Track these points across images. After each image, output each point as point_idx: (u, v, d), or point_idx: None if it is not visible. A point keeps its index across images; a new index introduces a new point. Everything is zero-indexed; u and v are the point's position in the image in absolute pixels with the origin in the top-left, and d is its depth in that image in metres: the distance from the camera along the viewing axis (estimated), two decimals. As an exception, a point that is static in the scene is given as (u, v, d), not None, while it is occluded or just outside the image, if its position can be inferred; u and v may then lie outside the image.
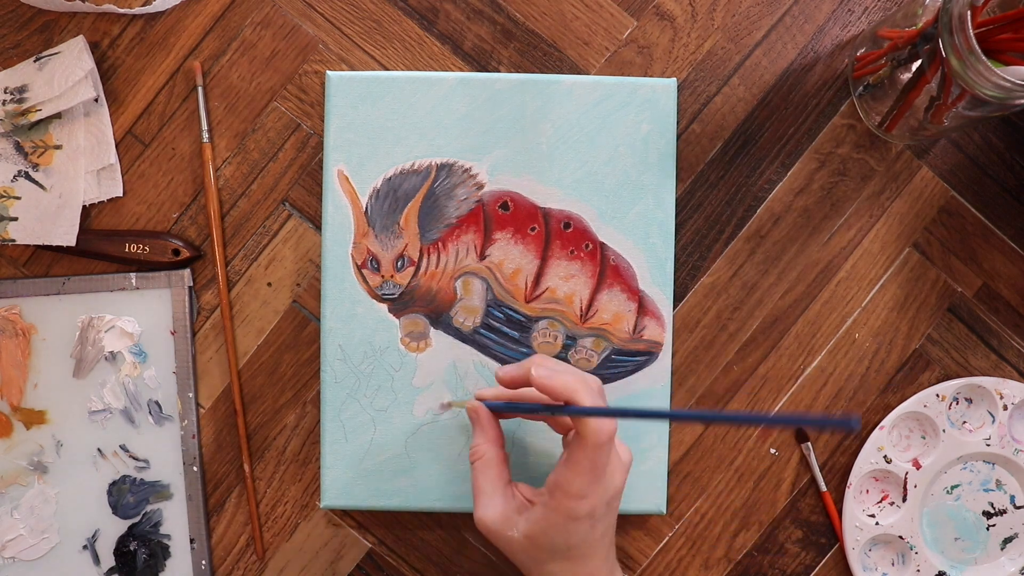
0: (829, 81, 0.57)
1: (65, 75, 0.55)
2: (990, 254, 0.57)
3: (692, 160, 0.57)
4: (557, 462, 0.46)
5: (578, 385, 0.44)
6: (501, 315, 0.55)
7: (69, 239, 0.55)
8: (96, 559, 0.57)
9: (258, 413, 0.57)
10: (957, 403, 0.57)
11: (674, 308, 0.57)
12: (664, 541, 0.58)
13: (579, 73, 0.57)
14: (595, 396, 0.45)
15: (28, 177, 0.56)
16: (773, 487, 0.58)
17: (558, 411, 0.46)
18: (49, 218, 0.55)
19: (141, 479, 0.57)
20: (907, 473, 0.57)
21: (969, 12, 0.44)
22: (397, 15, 0.57)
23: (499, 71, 0.57)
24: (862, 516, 0.57)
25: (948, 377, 0.57)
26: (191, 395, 0.57)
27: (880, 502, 0.57)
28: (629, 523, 0.58)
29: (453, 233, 0.55)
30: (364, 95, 0.55)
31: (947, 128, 0.53)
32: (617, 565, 0.50)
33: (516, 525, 0.46)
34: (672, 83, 0.55)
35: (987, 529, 0.57)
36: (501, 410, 0.49)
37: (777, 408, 0.57)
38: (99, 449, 0.57)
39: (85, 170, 0.56)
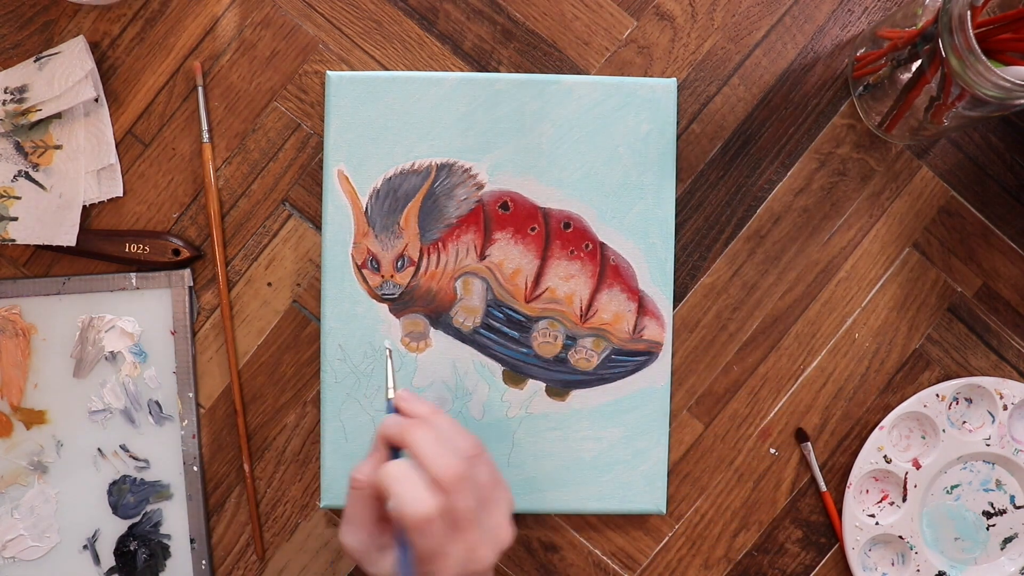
0: (829, 81, 0.57)
1: (65, 75, 0.55)
2: (990, 254, 0.58)
3: (692, 160, 0.57)
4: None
5: (389, 482, 0.42)
6: (501, 315, 0.55)
7: (69, 239, 0.55)
8: (96, 559, 0.57)
9: (258, 413, 0.57)
10: (957, 403, 0.57)
11: (674, 308, 0.57)
12: (664, 541, 0.58)
13: (579, 73, 0.57)
14: (426, 434, 0.43)
15: (28, 177, 0.56)
16: (773, 487, 0.58)
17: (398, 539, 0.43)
18: (49, 218, 0.55)
19: (141, 479, 0.57)
20: (907, 473, 0.57)
21: (969, 12, 0.44)
22: (397, 15, 0.57)
23: (499, 71, 0.57)
24: (862, 516, 0.57)
25: (948, 377, 0.57)
26: (191, 395, 0.57)
27: (880, 502, 0.57)
28: (629, 523, 0.58)
29: (453, 233, 0.55)
30: (364, 95, 0.55)
31: (947, 128, 0.53)
32: None
33: (374, 563, 0.44)
34: (672, 83, 0.55)
35: (987, 529, 0.57)
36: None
37: (776, 408, 0.57)
38: (99, 449, 0.57)
39: (85, 170, 0.56)
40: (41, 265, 0.57)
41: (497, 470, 0.47)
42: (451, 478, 0.42)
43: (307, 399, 0.57)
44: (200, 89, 0.56)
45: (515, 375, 0.56)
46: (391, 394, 0.48)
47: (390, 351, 0.52)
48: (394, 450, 0.45)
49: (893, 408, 0.57)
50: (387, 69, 0.57)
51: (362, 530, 0.44)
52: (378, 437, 0.45)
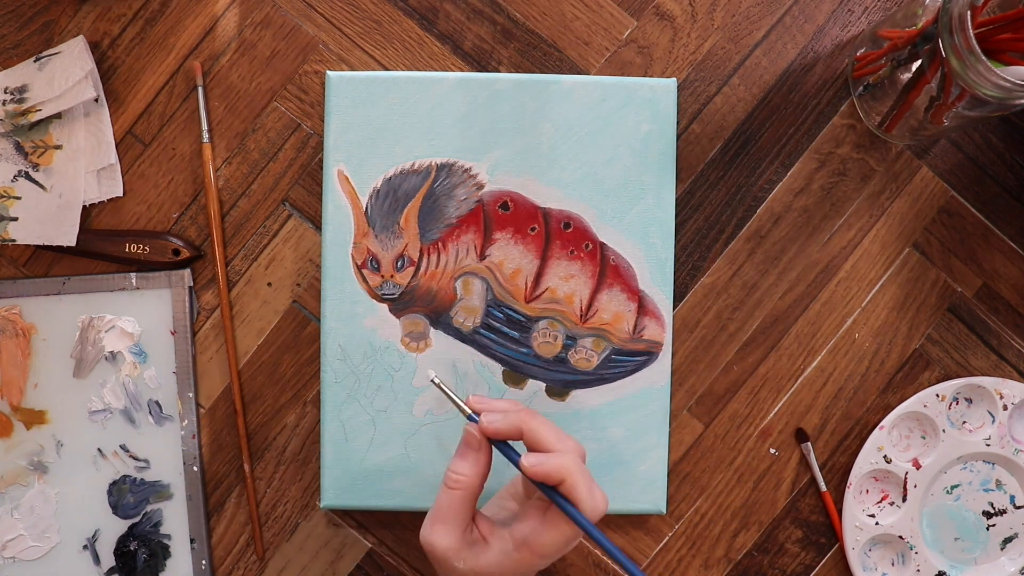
0: (829, 81, 0.57)
1: (65, 75, 0.55)
2: (990, 254, 0.58)
3: (692, 160, 0.57)
4: (521, 511, 0.46)
5: (571, 466, 0.44)
6: (501, 315, 0.55)
7: (69, 239, 0.55)
8: (96, 559, 0.57)
9: (258, 413, 0.57)
10: (957, 403, 0.57)
11: (674, 308, 0.57)
12: (664, 541, 0.58)
13: (579, 73, 0.57)
14: (586, 473, 0.44)
15: (28, 177, 0.56)
16: (773, 487, 0.58)
17: (551, 496, 0.44)
18: (49, 218, 0.55)
19: (141, 479, 0.57)
20: (907, 473, 0.57)
21: (969, 12, 0.44)
22: (397, 15, 0.57)
23: (499, 71, 0.57)
24: (862, 516, 0.57)
25: (948, 377, 0.57)
26: (191, 395, 0.57)
27: (880, 502, 0.57)
28: (629, 523, 0.58)
29: (453, 233, 0.55)
30: (364, 95, 0.55)
31: (947, 128, 0.53)
32: None
33: (465, 559, 0.45)
34: (672, 83, 0.55)
35: (987, 529, 0.57)
36: (498, 445, 0.47)
37: (776, 408, 0.57)
38: (99, 449, 0.57)
39: (85, 170, 0.56)
40: (41, 265, 0.57)
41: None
42: (603, 508, 0.45)
43: (307, 399, 0.57)
44: (200, 89, 0.56)
45: (515, 375, 0.56)
46: (467, 408, 0.47)
47: (439, 382, 0.48)
48: (500, 445, 0.47)
49: (893, 408, 0.57)
50: (387, 69, 0.57)
51: (457, 529, 0.45)
52: (475, 438, 0.46)
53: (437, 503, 0.46)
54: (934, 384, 0.57)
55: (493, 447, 0.47)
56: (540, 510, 0.45)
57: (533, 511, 0.45)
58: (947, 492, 0.57)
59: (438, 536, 0.45)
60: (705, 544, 0.58)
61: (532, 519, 0.45)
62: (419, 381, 0.56)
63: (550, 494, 0.44)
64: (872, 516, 0.57)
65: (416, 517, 0.58)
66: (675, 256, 0.56)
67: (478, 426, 0.46)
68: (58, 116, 0.56)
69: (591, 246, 0.55)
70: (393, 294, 0.55)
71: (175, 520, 0.57)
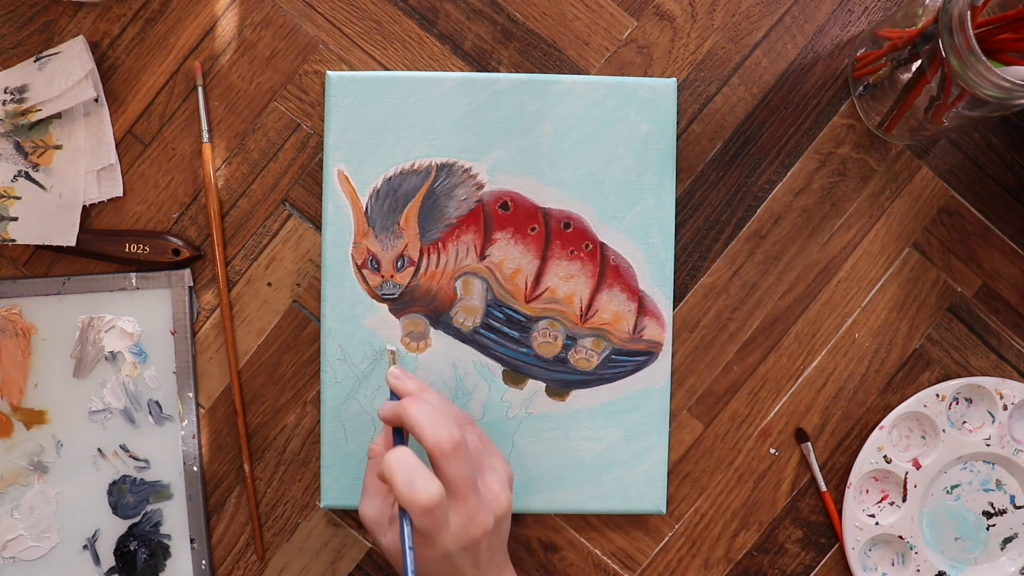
0: (829, 81, 0.57)
1: (65, 75, 0.55)
2: (990, 254, 0.58)
3: (692, 160, 0.57)
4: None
5: (410, 409, 0.45)
6: (501, 315, 0.55)
7: (69, 239, 0.55)
8: (96, 559, 0.57)
9: (258, 413, 0.57)
10: (957, 403, 0.57)
11: (674, 308, 0.57)
12: (664, 541, 0.58)
13: (579, 73, 0.57)
14: (421, 408, 0.45)
15: (28, 177, 0.56)
16: (773, 487, 0.58)
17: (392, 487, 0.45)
18: (49, 218, 0.55)
19: (141, 479, 0.57)
20: (907, 473, 0.57)
21: (969, 12, 0.44)
22: (397, 15, 0.57)
23: (499, 71, 0.57)
24: (862, 516, 0.57)
25: (948, 377, 0.57)
26: (191, 395, 0.57)
27: (880, 502, 0.57)
28: (629, 523, 0.58)
29: (453, 233, 0.55)
30: (364, 95, 0.55)
31: (947, 128, 0.53)
32: (507, 567, 0.49)
33: (384, 533, 0.47)
34: (672, 83, 0.55)
35: (987, 529, 0.57)
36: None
37: (776, 408, 0.57)
38: (99, 449, 0.57)
39: (85, 170, 0.56)
40: (41, 265, 0.57)
41: (488, 439, 0.51)
42: (449, 446, 0.44)
43: (307, 399, 0.57)
44: (200, 89, 0.56)
45: (515, 375, 0.56)
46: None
47: (394, 353, 0.53)
48: (396, 430, 0.48)
49: (893, 408, 0.57)
50: (387, 69, 0.57)
51: (375, 500, 0.48)
52: (381, 417, 0.48)
53: (364, 476, 0.49)
54: (934, 384, 0.57)
55: (394, 431, 0.49)
56: None
57: None
58: (947, 492, 0.57)
59: (362, 506, 0.48)
60: (705, 544, 0.58)
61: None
62: (419, 381, 0.56)
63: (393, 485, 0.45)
64: (872, 516, 0.57)
65: (416, 517, 0.58)
66: (675, 256, 0.56)
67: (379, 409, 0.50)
68: (58, 116, 0.56)
69: (591, 246, 0.55)
70: (393, 294, 0.55)
71: (175, 520, 0.57)
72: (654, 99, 0.55)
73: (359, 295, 0.55)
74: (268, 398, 0.57)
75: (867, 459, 0.56)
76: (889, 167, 0.57)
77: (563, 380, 0.56)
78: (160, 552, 0.57)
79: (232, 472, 0.58)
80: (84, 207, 0.56)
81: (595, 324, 0.56)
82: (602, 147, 0.55)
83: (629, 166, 0.55)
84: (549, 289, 0.55)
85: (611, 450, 0.56)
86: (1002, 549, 0.58)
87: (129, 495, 0.57)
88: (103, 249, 0.56)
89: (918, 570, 0.57)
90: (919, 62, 0.50)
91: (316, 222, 0.57)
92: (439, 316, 0.56)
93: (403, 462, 0.44)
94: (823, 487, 0.57)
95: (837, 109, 0.57)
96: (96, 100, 0.56)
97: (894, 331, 0.57)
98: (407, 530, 0.43)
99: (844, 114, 0.57)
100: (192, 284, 0.57)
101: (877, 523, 0.57)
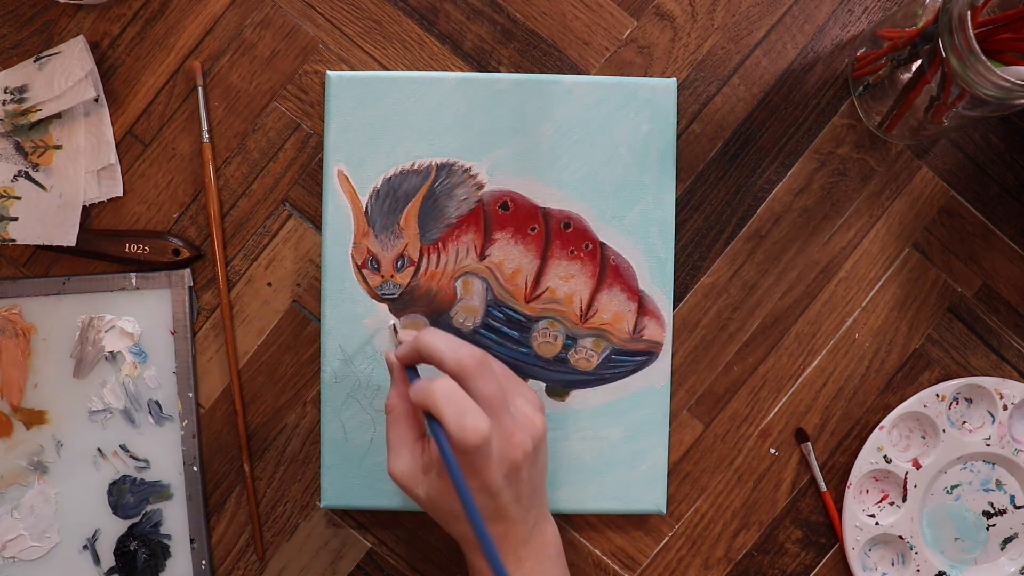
0: (829, 81, 0.57)
1: (65, 75, 0.55)
2: (990, 254, 0.58)
3: (692, 160, 0.57)
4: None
5: (436, 393, 0.42)
6: (501, 315, 0.55)
7: (69, 239, 0.55)
8: (96, 559, 0.57)
9: (258, 413, 0.57)
10: (957, 403, 0.57)
11: (674, 308, 0.57)
12: (664, 541, 0.58)
13: (579, 73, 0.57)
14: (456, 398, 0.42)
15: (28, 177, 0.56)
16: (773, 487, 0.58)
17: (429, 423, 0.44)
18: (49, 218, 0.55)
19: (141, 479, 0.57)
20: (907, 473, 0.57)
21: (969, 12, 0.44)
22: (397, 15, 0.57)
23: (499, 71, 0.57)
24: (862, 516, 0.57)
25: (948, 377, 0.57)
26: (191, 395, 0.57)
27: (880, 502, 0.57)
28: (629, 523, 0.58)
29: (453, 233, 0.55)
30: (364, 95, 0.55)
31: (947, 128, 0.53)
32: (546, 520, 0.48)
33: (420, 484, 0.45)
34: (672, 83, 0.55)
35: (987, 529, 0.57)
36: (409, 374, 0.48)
37: (776, 408, 0.57)
38: (99, 449, 0.57)
39: (85, 170, 0.56)
40: (41, 265, 0.57)
41: (511, 371, 0.49)
42: (472, 363, 0.43)
43: (307, 399, 0.57)
44: (200, 89, 0.56)
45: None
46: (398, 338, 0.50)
47: (395, 326, 0.54)
48: (412, 372, 0.47)
49: (893, 408, 0.57)
50: (387, 69, 0.57)
51: (404, 452, 0.46)
52: (392, 363, 0.47)
53: (387, 433, 0.47)
54: (934, 384, 0.57)
55: (409, 374, 0.47)
56: None
57: None
58: (947, 492, 0.57)
59: (393, 464, 0.46)
60: (705, 544, 0.58)
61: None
62: (419, 381, 0.56)
63: (429, 420, 0.44)
64: (872, 516, 0.57)
65: (416, 517, 0.58)
66: (675, 256, 0.56)
67: (389, 352, 0.48)
68: (58, 116, 0.56)
69: (591, 246, 0.55)
70: (393, 294, 0.55)
71: (175, 520, 0.57)
72: (654, 99, 0.55)
73: (359, 295, 0.55)
74: (268, 398, 0.57)
75: (867, 459, 0.56)
76: (889, 167, 0.57)
77: (563, 380, 0.56)
78: (160, 552, 0.57)
79: (232, 472, 0.58)
80: (84, 207, 0.56)
81: (595, 324, 0.56)
82: (602, 147, 0.55)
83: (629, 166, 0.55)
84: (549, 289, 0.55)
85: (611, 450, 0.56)
86: (1002, 549, 0.58)
87: (129, 495, 0.57)
88: (103, 249, 0.56)
89: (918, 570, 0.57)
90: (919, 62, 0.50)
91: (316, 222, 0.57)
92: (439, 316, 0.56)
93: (450, 396, 0.42)
94: (823, 487, 0.57)
95: (837, 109, 0.57)
96: (96, 100, 0.56)
97: (894, 331, 0.57)
98: (459, 474, 0.42)
99: (844, 114, 0.57)
100: (192, 284, 0.57)
101: (877, 523, 0.57)
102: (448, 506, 0.45)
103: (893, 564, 0.58)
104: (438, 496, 0.45)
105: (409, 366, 0.47)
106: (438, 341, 0.44)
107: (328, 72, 0.55)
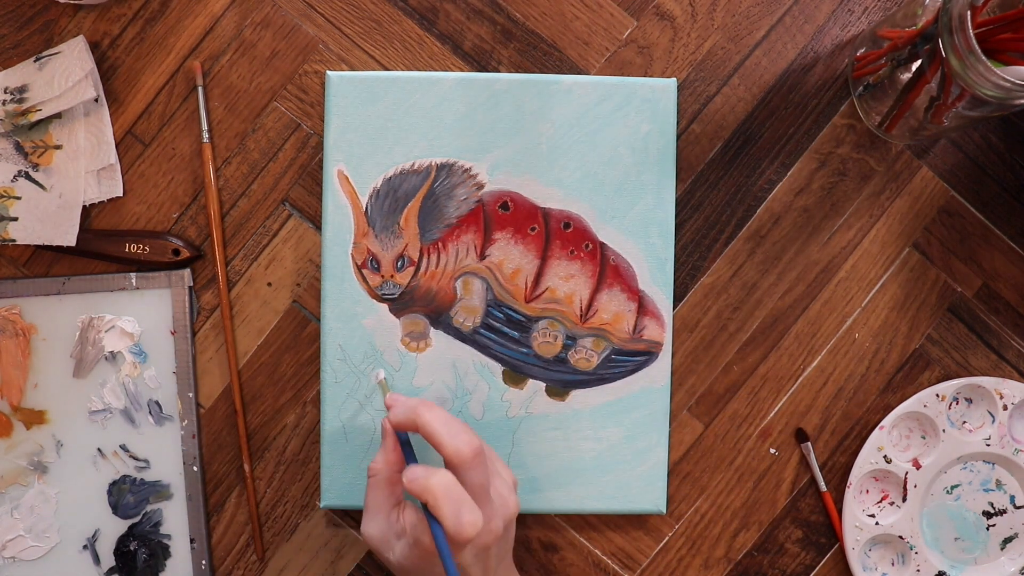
0: (829, 81, 0.57)
1: (65, 75, 0.55)
2: (990, 254, 0.58)
3: (692, 160, 0.57)
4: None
5: (436, 489, 0.43)
6: (501, 315, 0.55)
7: (69, 239, 0.55)
8: (96, 559, 0.57)
9: (258, 413, 0.57)
10: (957, 403, 0.57)
11: (674, 308, 0.57)
12: (664, 541, 0.58)
13: (579, 73, 0.57)
14: (454, 494, 0.44)
15: (28, 177, 0.56)
16: (773, 487, 0.58)
17: (424, 511, 0.45)
18: (49, 218, 0.55)
19: (141, 479, 0.57)
20: (907, 473, 0.57)
21: (969, 12, 0.44)
22: (397, 15, 0.57)
23: (499, 71, 0.57)
24: (862, 516, 0.57)
25: (948, 377, 0.57)
26: (191, 395, 0.57)
27: (880, 502, 0.57)
28: (629, 523, 0.58)
29: (453, 233, 0.55)
30: (364, 95, 0.55)
31: (947, 128, 0.53)
32: None
33: (393, 548, 0.46)
34: (672, 83, 0.55)
35: (987, 529, 0.57)
36: (404, 447, 0.49)
37: (776, 408, 0.57)
38: (99, 449, 0.57)
39: (85, 170, 0.56)
40: (41, 265, 0.57)
41: (489, 446, 0.50)
42: (469, 454, 0.44)
43: (307, 399, 0.57)
44: (200, 89, 0.56)
45: (515, 375, 0.56)
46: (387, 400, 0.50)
47: (383, 380, 0.54)
48: (405, 445, 0.48)
49: (893, 408, 0.57)
50: (387, 69, 0.57)
51: (380, 517, 0.47)
52: (386, 428, 0.49)
53: (366, 496, 0.48)
54: (934, 384, 0.57)
55: (402, 445, 0.49)
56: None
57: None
58: (947, 492, 0.57)
59: (366, 526, 0.48)
60: (705, 544, 0.58)
61: (422, 517, 0.45)
62: (419, 381, 0.56)
63: (424, 509, 0.45)
64: (872, 516, 0.57)
65: (416, 517, 0.58)
66: (675, 256, 0.56)
67: (385, 419, 0.49)
68: (58, 116, 0.56)
69: (591, 246, 0.55)
70: (393, 294, 0.55)
71: (175, 520, 0.57)
72: (654, 99, 0.55)
73: (359, 295, 0.55)
74: (268, 398, 0.57)
75: (867, 459, 0.56)
76: (889, 167, 0.57)
77: (563, 380, 0.56)
78: (160, 552, 0.57)
79: (232, 472, 0.58)
80: (84, 207, 0.56)
81: (595, 324, 0.56)
82: (602, 147, 0.55)
83: (629, 166, 0.55)
84: (549, 289, 0.55)
85: (611, 450, 0.56)
86: (1002, 549, 0.58)
87: (129, 495, 0.57)
88: (103, 249, 0.56)
89: (918, 570, 0.57)
90: (919, 62, 0.50)
91: (316, 222, 0.57)
92: (439, 316, 0.56)
93: (449, 492, 0.43)
94: (823, 487, 0.57)
95: (837, 109, 0.57)
96: (96, 100, 0.56)
97: (894, 331, 0.57)
98: (452, 564, 0.43)
99: (844, 114, 0.57)
100: (192, 284, 0.57)
101: (877, 523, 0.57)
102: (418, 572, 0.46)
103: (893, 564, 0.58)
104: (410, 566, 0.46)
105: (402, 432, 0.48)
106: (438, 425, 0.45)
107: (328, 72, 0.55)
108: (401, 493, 0.48)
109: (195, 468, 0.57)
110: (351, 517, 0.58)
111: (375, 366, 0.55)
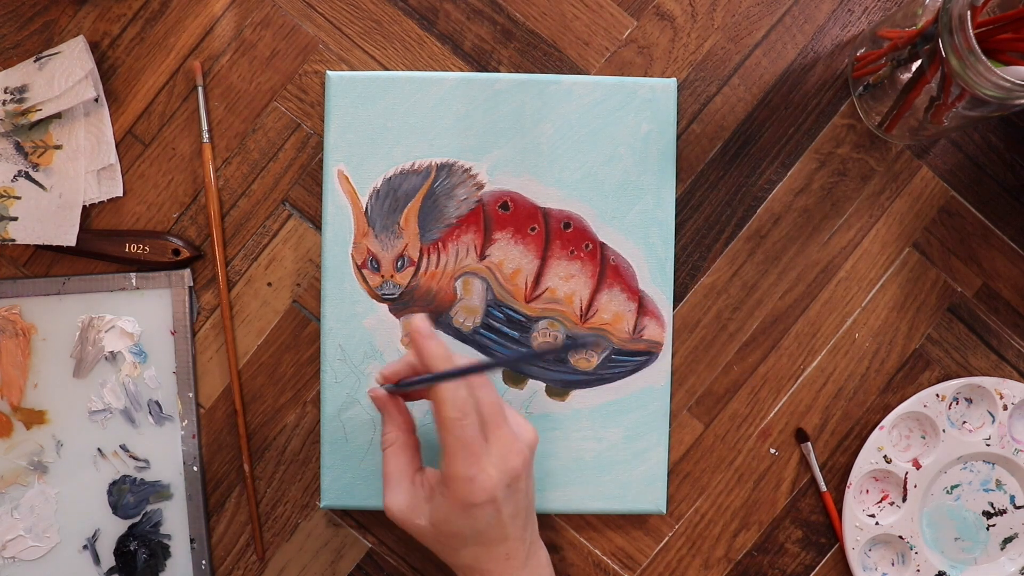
0: (829, 81, 0.57)
1: (65, 75, 0.55)
2: (990, 254, 0.58)
3: (692, 160, 0.57)
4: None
5: (438, 351, 0.44)
6: (501, 315, 0.55)
7: (69, 239, 0.55)
8: (96, 559, 0.57)
9: (258, 413, 0.57)
10: (957, 403, 0.57)
11: (674, 308, 0.57)
12: (664, 541, 0.58)
13: (579, 73, 0.57)
14: (439, 342, 0.45)
15: (28, 177, 0.56)
16: (773, 487, 0.58)
17: (441, 377, 0.44)
18: (49, 218, 0.55)
19: (141, 479, 0.57)
20: (907, 473, 0.57)
21: (969, 12, 0.44)
22: (397, 15, 0.57)
23: (499, 71, 0.57)
24: (862, 516, 0.57)
25: (948, 377, 0.57)
26: (191, 395, 0.57)
27: (880, 502, 0.57)
28: (629, 523, 0.58)
29: (453, 233, 0.55)
30: (364, 95, 0.55)
31: (947, 128, 0.53)
32: (539, 544, 0.49)
33: (423, 513, 0.46)
34: (672, 83, 0.55)
35: (987, 529, 0.57)
36: (401, 389, 0.48)
37: (776, 408, 0.57)
38: (99, 449, 0.57)
39: (85, 170, 0.56)
40: (41, 265, 0.57)
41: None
42: (478, 376, 0.45)
43: (307, 399, 0.57)
44: (200, 89, 0.56)
45: (515, 375, 0.56)
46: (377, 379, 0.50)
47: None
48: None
49: (893, 408, 0.57)
50: (387, 69, 0.57)
51: (404, 486, 0.47)
52: (380, 398, 0.48)
53: (382, 472, 0.48)
54: (934, 384, 0.57)
55: (405, 401, 0.49)
56: (442, 444, 0.45)
57: (442, 449, 0.45)
58: (947, 492, 0.57)
59: (391, 498, 0.47)
60: (705, 544, 0.58)
61: (443, 455, 0.45)
62: (419, 381, 0.56)
63: (416, 385, 0.46)
64: (872, 516, 0.57)
65: (416, 517, 0.58)
66: (675, 256, 0.56)
67: (375, 390, 0.49)
68: (58, 116, 0.56)
69: (591, 246, 0.55)
70: (393, 294, 0.55)
71: (175, 520, 0.57)
72: (654, 99, 0.55)
73: (359, 295, 0.55)
74: (268, 398, 0.57)
75: (867, 459, 0.56)
76: (889, 167, 0.57)
77: (563, 380, 0.56)
78: (160, 552, 0.57)
79: (232, 472, 0.58)
80: (84, 207, 0.56)
81: (595, 324, 0.56)
82: (602, 147, 0.55)
83: (629, 166, 0.55)
84: (549, 289, 0.55)
85: (611, 450, 0.56)
86: (1002, 549, 0.58)
87: (129, 495, 0.57)
88: (103, 249, 0.56)
89: (918, 570, 0.57)
90: (919, 62, 0.50)
91: (316, 222, 0.57)
92: (439, 316, 0.56)
93: (442, 349, 0.45)
94: (823, 487, 0.57)
95: (837, 109, 0.57)
96: (96, 100, 0.56)
97: (894, 331, 0.57)
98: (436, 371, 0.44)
99: (844, 114, 0.57)
100: (192, 284, 0.57)
101: (877, 523, 0.57)
102: (456, 527, 0.45)
103: (893, 564, 0.58)
104: (443, 519, 0.45)
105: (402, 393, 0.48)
106: (439, 350, 0.45)
107: (328, 72, 0.55)
108: (420, 457, 0.48)
109: (195, 468, 0.57)
110: (351, 517, 0.58)
111: (375, 366, 0.55)
